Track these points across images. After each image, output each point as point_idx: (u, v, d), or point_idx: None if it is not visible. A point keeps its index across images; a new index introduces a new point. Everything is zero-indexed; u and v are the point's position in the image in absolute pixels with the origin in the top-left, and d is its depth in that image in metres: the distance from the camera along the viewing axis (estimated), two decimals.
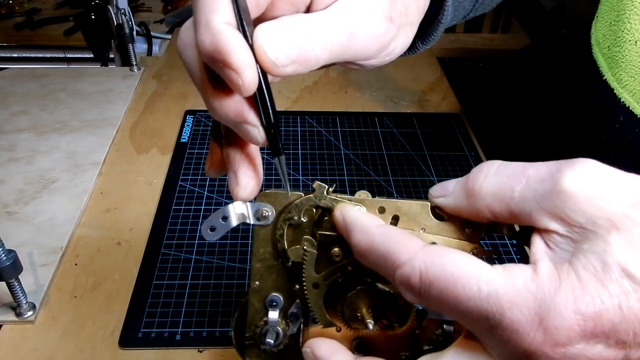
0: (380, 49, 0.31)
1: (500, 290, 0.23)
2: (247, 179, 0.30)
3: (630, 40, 0.41)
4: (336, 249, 0.31)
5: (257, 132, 0.27)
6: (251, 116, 0.27)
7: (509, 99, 1.32)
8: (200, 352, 0.53)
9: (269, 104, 0.27)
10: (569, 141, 0.52)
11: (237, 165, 0.30)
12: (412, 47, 0.39)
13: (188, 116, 0.88)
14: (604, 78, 0.43)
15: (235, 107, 0.27)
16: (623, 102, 0.41)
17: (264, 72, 0.26)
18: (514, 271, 0.23)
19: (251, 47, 0.25)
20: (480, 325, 0.24)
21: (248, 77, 0.24)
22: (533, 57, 1.27)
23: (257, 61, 0.25)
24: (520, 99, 1.27)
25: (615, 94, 0.42)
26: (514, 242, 0.66)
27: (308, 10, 0.29)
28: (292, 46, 0.26)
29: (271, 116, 0.27)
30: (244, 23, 0.25)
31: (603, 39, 0.44)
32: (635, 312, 0.21)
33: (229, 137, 0.31)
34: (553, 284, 0.22)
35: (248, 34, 0.25)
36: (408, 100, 0.95)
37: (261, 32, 0.25)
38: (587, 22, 0.50)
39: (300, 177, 0.76)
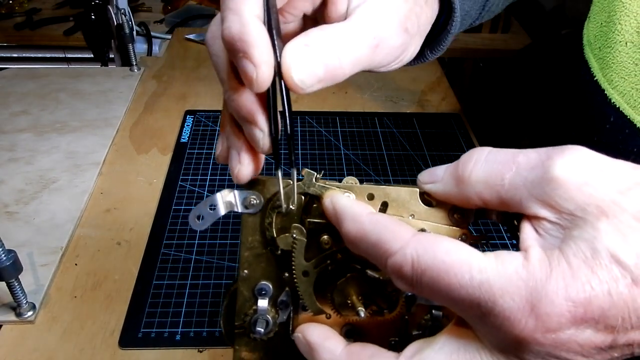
0: (394, 59, 0.32)
1: (492, 278, 0.23)
2: (249, 159, 0.30)
3: (620, 42, 0.41)
4: (325, 237, 0.31)
5: (262, 137, 0.28)
6: (261, 119, 0.27)
7: (509, 99, 1.32)
8: (200, 352, 0.53)
9: (279, 116, 0.27)
10: (563, 141, 0.52)
11: (240, 144, 0.30)
12: (422, 56, 0.40)
13: (188, 116, 0.88)
14: (595, 79, 0.43)
15: (250, 106, 0.27)
16: (614, 102, 0.41)
17: (286, 87, 0.26)
18: (506, 258, 0.23)
19: (276, 54, 0.25)
20: (472, 313, 0.24)
21: (264, 74, 0.25)
22: (533, 57, 1.27)
23: (282, 79, 0.26)
24: (520, 99, 1.27)
25: (606, 94, 0.42)
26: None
27: (323, 3, 0.29)
28: (319, 68, 0.26)
29: (280, 127, 0.27)
30: (272, 19, 0.25)
31: (594, 39, 0.44)
32: (624, 298, 0.21)
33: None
34: (544, 271, 0.22)
35: (274, 32, 0.25)
36: (408, 100, 0.95)
37: (289, 53, 0.26)
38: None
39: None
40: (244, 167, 0.30)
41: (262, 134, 0.27)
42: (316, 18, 0.34)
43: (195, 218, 0.31)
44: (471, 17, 0.44)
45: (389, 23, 0.30)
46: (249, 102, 0.27)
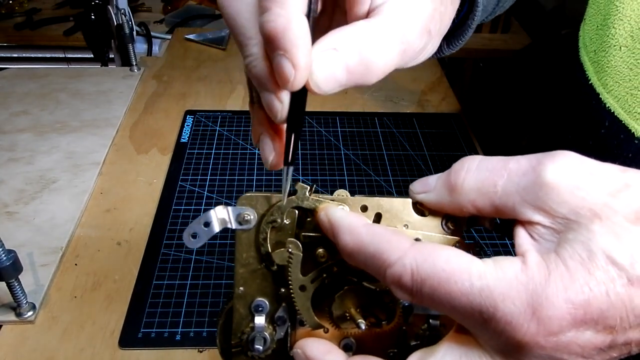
0: (411, 61, 0.31)
1: (492, 284, 0.23)
2: (281, 148, 0.29)
3: (615, 46, 0.41)
4: (320, 250, 0.31)
5: (282, 108, 0.26)
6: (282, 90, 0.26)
7: (509, 99, 1.32)
8: (200, 352, 0.53)
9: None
10: (559, 144, 0.52)
11: (272, 133, 0.29)
12: (438, 51, 0.39)
13: (188, 116, 0.88)
14: (590, 82, 0.43)
15: (272, 76, 0.26)
16: (608, 107, 0.41)
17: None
18: (504, 264, 0.23)
19: None
20: (473, 319, 0.24)
21: (302, 77, 0.24)
22: (533, 57, 1.27)
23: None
24: (519, 99, 1.27)
25: (600, 98, 0.42)
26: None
27: None
28: (342, 73, 0.26)
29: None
30: (311, 12, 0.24)
31: (590, 42, 0.44)
32: (622, 298, 0.22)
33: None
34: (543, 275, 0.22)
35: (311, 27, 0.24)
36: (408, 100, 0.95)
37: (316, 57, 0.25)
38: None
39: (300, 178, 0.76)
40: (279, 155, 0.29)
41: (281, 105, 0.26)
42: (338, 3, 0.33)
43: (189, 236, 0.30)
44: (487, 12, 0.44)
45: (415, 25, 0.29)
46: (270, 71, 0.26)
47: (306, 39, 0.24)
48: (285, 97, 0.26)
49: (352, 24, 0.27)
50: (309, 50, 0.24)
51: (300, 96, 0.26)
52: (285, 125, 0.28)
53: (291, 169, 0.29)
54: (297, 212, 0.31)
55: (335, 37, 0.26)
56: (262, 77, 0.26)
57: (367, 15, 0.29)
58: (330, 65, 0.26)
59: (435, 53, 0.38)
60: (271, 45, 0.24)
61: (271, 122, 0.29)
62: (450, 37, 0.39)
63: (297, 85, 0.24)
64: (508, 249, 0.65)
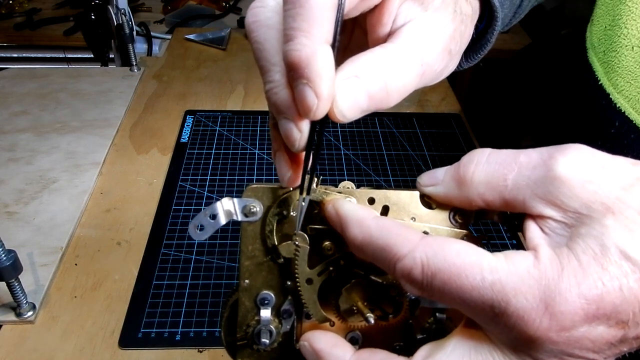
0: (431, 81, 0.31)
1: (504, 278, 0.23)
2: (296, 165, 0.29)
3: (627, 46, 0.41)
4: (327, 243, 0.31)
5: (300, 138, 0.26)
6: (301, 119, 0.26)
7: (509, 99, 1.32)
8: (200, 352, 0.53)
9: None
10: (565, 143, 0.52)
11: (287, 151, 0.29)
12: (457, 66, 0.39)
13: (188, 116, 0.88)
14: (599, 82, 0.43)
15: (293, 104, 0.26)
16: (619, 107, 0.41)
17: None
18: (516, 258, 0.23)
19: None
20: (484, 314, 0.24)
21: (324, 107, 0.24)
22: (533, 57, 1.27)
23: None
24: (520, 99, 1.27)
25: (611, 99, 0.42)
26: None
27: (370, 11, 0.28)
28: (364, 100, 0.26)
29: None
30: (335, 41, 0.24)
31: (598, 43, 0.44)
32: (635, 293, 0.22)
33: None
34: (555, 269, 0.22)
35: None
36: (408, 100, 0.95)
37: (339, 86, 0.25)
38: (587, 22, 0.50)
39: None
40: (295, 175, 0.29)
41: (300, 134, 0.26)
42: (357, 21, 0.33)
43: (195, 228, 0.30)
44: (503, 24, 0.44)
45: (434, 47, 0.29)
46: (291, 99, 0.25)
47: (331, 70, 0.24)
48: (305, 126, 0.26)
49: (371, 49, 0.27)
50: (332, 80, 0.24)
51: (319, 126, 0.26)
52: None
53: (307, 199, 0.29)
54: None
55: (356, 64, 0.26)
56: (282, 105, 0.26)
57: (388, 36, 0.29)
58: (354, 93, 0.26)
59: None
60: (294, 74, 0.24)
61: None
62: (468, 51, 0.38)
63: (319, 115, 0.24)
64: (506, 246, 0.65)
